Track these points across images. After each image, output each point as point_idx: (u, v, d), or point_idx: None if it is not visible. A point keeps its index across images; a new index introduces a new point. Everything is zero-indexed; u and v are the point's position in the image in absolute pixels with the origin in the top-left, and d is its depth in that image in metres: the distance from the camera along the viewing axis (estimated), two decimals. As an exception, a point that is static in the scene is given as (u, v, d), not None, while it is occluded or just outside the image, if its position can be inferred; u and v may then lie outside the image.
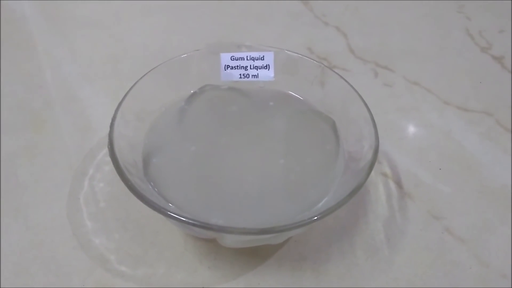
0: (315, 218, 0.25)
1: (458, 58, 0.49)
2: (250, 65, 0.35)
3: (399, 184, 0.36)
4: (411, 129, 0.41)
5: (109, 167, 0.35)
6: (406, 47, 0.51)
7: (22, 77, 0.44)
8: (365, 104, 0.31)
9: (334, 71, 0.34)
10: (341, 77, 0.33)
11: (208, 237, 0.30)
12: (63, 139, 0.39)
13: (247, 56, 0.35)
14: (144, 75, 0.32)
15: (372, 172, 0.27)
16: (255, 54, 0.35)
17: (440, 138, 0.40)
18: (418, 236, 0.32)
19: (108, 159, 0.31)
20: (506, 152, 0.39)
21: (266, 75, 0.35)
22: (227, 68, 0.35)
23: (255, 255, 0.31)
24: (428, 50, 0.50)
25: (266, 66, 0.35)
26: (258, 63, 0.35)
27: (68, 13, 0.54)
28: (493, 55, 0.49)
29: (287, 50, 0.36)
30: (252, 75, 0.35)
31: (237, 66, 0.35)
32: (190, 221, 0.25)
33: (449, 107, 0.43)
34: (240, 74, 0.35)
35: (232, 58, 0.35)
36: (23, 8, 0.54)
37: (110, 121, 0.30)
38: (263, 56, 0.34)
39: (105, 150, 0.36)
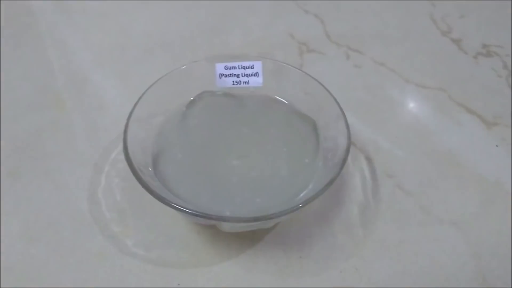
0: (298, 206, 0.30)
1: (421, 41, 0.52)
2: (242, 73, 0.38)
3: (361, 149, 0.40)
4: (375, 104, 0.45)
5: (123, 164, 0.38)
6: (376, 32, 0.54)
7: (43, 63, 0.48)
8: (341, 109, 0.34)
9: (315, 79, 0.37)
10: (321, 84, 0.36)
11: (209, 224, 0.34)
12: (80, 116, 0.43)
13: (238, 65, 0.38)
14: (150, 86, 0.35)
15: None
16: (245, 64, 0.38)
17: (399, 111, 0.44)
18: (373, 191, 0.37)
19: (121, 157, 0.35)
20: (454, 122, 0.43)
21: (256, 81, 0.38)
22: (222, 76, 0.38)
23: (249, 239, 0.35)
24: (395, 35, 0.54)
25: (256, 73, 0.38)
26: (249, 71, 0.38)
27: (79, 6, 0.57)
28: (452, 38, 0.53)
29: (274, 60, 0.39)
30: (243, 82, 0.38)
31: (230, 74, 0.38)
32: (193, 212, 0.28)
33: (409, 84, 0.47)
34: (233, 81, 0.38)
35: (226, 67, 0.38)
36: (42, 2, 0.57)
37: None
38: (253, 65, 0.38)
39: (118, 148, 0.40)
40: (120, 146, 0.39)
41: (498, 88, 0.47)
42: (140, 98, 0.35)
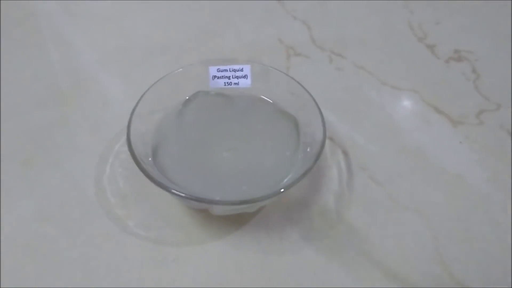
0: (279, 191, 0.34)
1: (398, 46, 0.56)
2: (232, 75, 0.42)
3: (339, 144, 0.45)
4: (353, 103, 0.49)
5: (125, 155, 0.43)
6: (357, 37, 0.58)
7: (51, 63, 0.52)
8: (318, 108, 0.38)
9: (297, 82, 0.41)
10: (303, 87, 0.40)
11: (201, 208, 0.38)
12: (87, 112, 0.47)
13: (229, 68, 0.42)
14: (150, 86, 0.39)
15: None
16: (236, 67, 0.42)
17: (374, 111, 0.48)
18: (348, 181, 0.42)
19: (124, 149, 0.39)
20: (424, 121, 0.47)
21: (245, 83, 0.42)
22: (214, 78, 0.42)
23: (236, 221, 0.39)
24: (375, 40, 0.57)
25: (245, 76, 0.42)
26: (238, 73, 0.42)
27: (85, 9, 0.60)
28: (427, 44, 0.57)
29: (261, 63, 0.43)
30: (234, 83, 0.42)
31: (222, 76, 0.42)
32: (188, 196, 0.32)
33: (385, 86, 0.51)
34: (225, 82, 0.42)
35: (218, 70, 0.42)
36: (49, 6, 0.60)
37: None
38: (242, 68, 0.42)
39: (121, 141, 0.44)
40: (123, 139, 0.43)
41: (466, 90, 0.51)
42: (141, 96, 0.39)
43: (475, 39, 0.58)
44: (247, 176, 0.37)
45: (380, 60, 0.54)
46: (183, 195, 0.33)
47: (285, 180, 0.37)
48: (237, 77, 0.42)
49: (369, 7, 0.63)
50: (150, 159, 0.38)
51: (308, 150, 0.38)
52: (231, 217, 0.39)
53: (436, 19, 0.61)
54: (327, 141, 0.45)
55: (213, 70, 0.42)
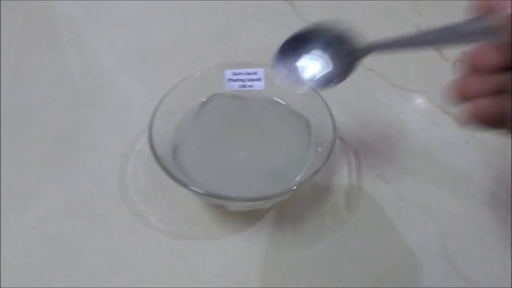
0: (291, 189, 0.36)
1: None
2: (247, 78, 0.44)
3: (349, 144, 0.46)
4: (363, 104, 0.50)
5: (146, 154, 0.45)
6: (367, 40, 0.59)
7: (75, 66, 0.54)
8: (329, 110, 0.40)
9: None
10: (315, 91, 0.42)
11: (218, 204, 0.40)
12: (109, 113, 0.50)
13: (244, 72, 0.44)
14: (170, 89, 0.41)
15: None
16: (250, 70, 0.44)
17: (383, 111, 0.50)
18: (358, 179, 0.43)
19: (144, 148, 0.41)
20: (431, 122, 0.49)
21: (259, 85, 0.44)
22: (230, 81, 0.44)
23: (251, 217, 0.41)
24: None
25: (259, 79, 0.44)
26: (253, 76, 0.44)
27: (105, 14, 0.62)
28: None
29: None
30: (248, 86, 0.44)
31: (237, 79, 0.44)
32: (206, 193, 0.35)
33: (394, 88, 0.52)
34: (240, 85, 0.44)
35: (233, 73, 0.44)
36: (72, 11, 0.62)
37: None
38: (256, 71, 0.44)
39: (142, 141, 0.46)
40: (143, 139, 0.46)
41: (473, 92, 0.52)
42: (162, 98, 0.41)
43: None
44: (261, 174, 0.39)
45: (388, 62, 0.55)
46: (201, 192, 0.35)
47: (297, 178, 0.39)
48: (251, 80, 0.44)
49: (378, 11, 0.64)
50: (170, 158, 0.40)
51: (319, 149, 0.40)
52: (246, 213, 0.41)
53: (445, 22, 0.62)
54: (338, 141, 0.46)
55: (228, 74, 0.44)
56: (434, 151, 0.46)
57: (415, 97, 0.51)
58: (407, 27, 0.61)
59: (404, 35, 0.28)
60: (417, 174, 0.44)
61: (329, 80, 0.32)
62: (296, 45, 0.33)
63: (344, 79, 0.32)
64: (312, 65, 0.32)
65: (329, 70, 0.32)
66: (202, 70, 0.44)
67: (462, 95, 0.26)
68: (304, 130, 0.42)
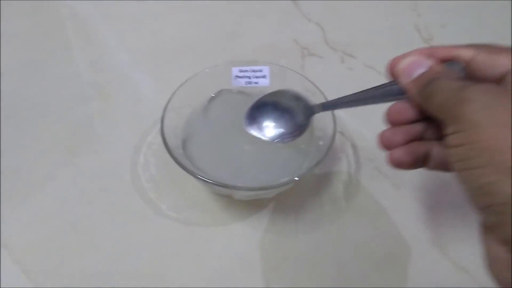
0: (293, 180, 0.38)
1: (405, 48, 0.58)
2: (252, 75, 0.46)
3: (349, 138, 0.49)
4: None
5: (157, 146, 0.47)
6: (367, 39, 0.61)
7: (90, 62, 0.57)
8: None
9: (311, 82, 0.44)
10: (316, 86, 0.44)
11: (225, 193, 0.42)
12: (122, 107, 0.52)
13: (250, 69, 0.46)
14: (180, 85, 0.44)
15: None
16: (256, 68, 0.46)
17: (382, 107, 0.52)
18: (356, 171, 0.46)
19: (155, 140, 0.44)
20: None
21: (264, 82, 0.46)
22: (236, 77, 0.46)
23: (256, 206, 0.43)
24: (384, 42, 0.60)
25: (264, 76, 0.46)
26: (258, 74, 0.46)
27: (118, 12, 0.64)
28: (433, 45, 0.60)
29: (278, 65, 0.47)
30: (254, 82, 0.46)
31: (244, 76, 0.46)
32: (214, 182, 0.37)
33: None
34: (246, 82, 0.46)
35: (240, 71, 0.46)
36: (84, 8, 0.64)
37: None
38: (262, 69, 0.46)
39: (153, 133, 0.49)
40: (154, 131, 0.48)
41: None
42: (173, 94, 0.43)
43: (478, 40, 0.61)
44: (265, 166, 0.41)
45: (388, 60, 0.57)
46: (209, 181, 0.37)
47: (299, 170, 0.41)
48: (257, 77, 0.46)
49: (379, 10, 0.66)
50: (180, 149, 0.42)
51: (321, 143, 0.42)
52: (251, 202, 0.43)
53: (442, 22, 0.64)
54: (338, 135, 0.49)
55: (235, 71, 0.46)
56: (429, 145, 0.48)
57: (412, 94, 0.54)
58: (406, 27, 0.63)
59: (346, 96, 0.36)
60: (413, 167, 0.47)
61: (290, 134, 0.38)
62: (263, 107, 0.39)
63: (302, 133, 0.38)
64: (277, 123, 0.39)
65: (290, 126, 0.38)
66: (210, 67, 0.46)
67: (385, 145, 0.31)
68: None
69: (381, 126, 0.50)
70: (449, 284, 0.39)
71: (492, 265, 0.24)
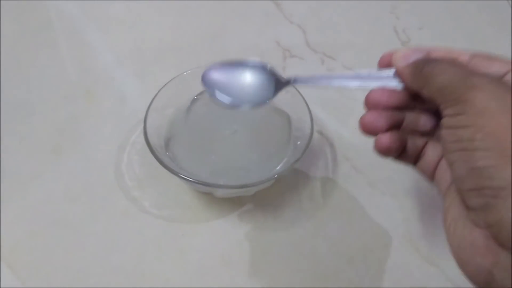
0: (271, 177, 0.39)
1: (383, 49, 0.60)
2: (234, 77, 0.47)
3: (327, 137, 0.50)
4: (341, 101, 0.53)
5: (141, 145, 0.47)
6: (347, 41, 0.61)
7: (74, 62, 0.57)
8: (308, 106, 0.43)
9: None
10: (295, 87, 0.45)
11: (206, 191, 0.43)
12: (106, 107, 0.52)
13: (232, 71, 0.47)
14: (164, 85, 0.44)
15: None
16: (237, 69, 0.47)
17: (359, 108, 0.52)
18: (333, 169, 0.47)
19: (139, 139, 0.44)
20: None
21: (245, 83, 0.47)
22: None
23: (236, 203, 0.44)
24: (363, 44, 0.61)
25: (245, 77, 0.47)
26: (240, 75, 0.47)
27: (102, 14, 0.64)
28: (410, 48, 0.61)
29: None
30: None
31: None
32: (195, 180, 0.38)
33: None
34: None
35: (222, 72, 0.47)
36: (70, 9, 0.63)
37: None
38: (243, 70, 0.47)
39: (137, 132, 0.49)
40: (138, 131, 0.49)
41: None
42: (156, 94, 0.43)
43: (453, 44, 0.62)
44: (245, 165, 0.42)
45: (366, 62, 0.58)
46: (191, 179, 0.38)
47: (278, 168, 0.42)
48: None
49: (359, 13, 0.67)
50: (163, 149, 0.43)
51: (299, 143, 0.43)
52: (231, 199, 0.44)
53: (420, 25, 0.65)
54: (317, 135, 0.50)
55: (217, 72, 0.47)
56: (403, 145, 0.50)
57: (388, 95, 0.55)
58: (385, 30, 0.64)
59: (323, 74, 0.34)
60: (387, 166, 0.47)
61: (255, 101, 0.35)
62: (226, 69, 0.36)
63: (267, 102, 0.35)
64: (242, 86, 0.35)
65: (256, 93, 0.35)
66: (193, 68, 0.47)
67: (367, 130, 0.31)
68: (285, 125, 0.45)
69: (358, 127, 0.52)
70: (420, 277, 0.40)
71: (464, 251, 0.25)
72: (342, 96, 0.55)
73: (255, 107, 0.35)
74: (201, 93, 0.47)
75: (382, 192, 0.46)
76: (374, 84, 0.32)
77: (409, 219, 0.44)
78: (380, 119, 0.31)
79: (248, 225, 0.43)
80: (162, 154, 0.42)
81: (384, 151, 0.31)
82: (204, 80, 0.35)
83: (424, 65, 0.28)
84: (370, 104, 0.32)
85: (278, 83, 0.35)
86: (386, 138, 0.30)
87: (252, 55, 0.59)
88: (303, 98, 0.44)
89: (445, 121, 0.26)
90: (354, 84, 0.33)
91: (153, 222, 0.43)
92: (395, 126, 0.31)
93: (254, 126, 0.45)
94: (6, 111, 0.51)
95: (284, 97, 0.45)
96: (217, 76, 0.36)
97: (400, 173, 0.47)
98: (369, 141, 0.49)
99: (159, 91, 0.44)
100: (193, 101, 0.46)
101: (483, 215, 0.23)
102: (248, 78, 0.35)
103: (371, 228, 0.43)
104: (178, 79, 0.46)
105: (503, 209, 0.22)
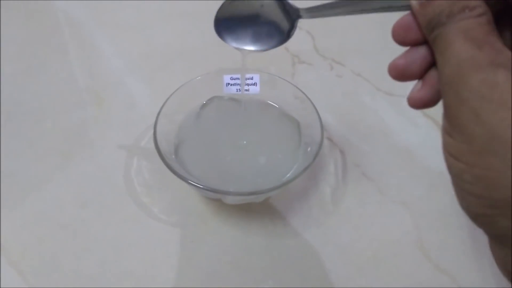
0: (281, 185, 0.39)
1: (392, 56, 0.60)
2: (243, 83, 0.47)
3: (336, 144, 0.49)
4: (350, 107, 0.53)
5: (150, 151, 0.47)
6: (356, 47, 0.61)
7: (84, 68, 0.56)
8: (317, 113, 0.42)
9: (300, 90, 0.45)
10: (304, 94, 0.44)
11: (215, 198, 0.42)
12: (116, 112, 0.52)
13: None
14: (174, 91, 0.44)
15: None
16: (246, 75, 0.46)
17: (369, 114, 0.52)
18: (343, 176, 0.46)
19: (148, 145, 0.44)
20: (412, 124, 0.51)
21: (255, 89, 0.46)
22: (228, 85, 0.46)
23: (245, 210, 0.43)
24: (372, 50, 0.60)
25: (255, 83, 0.46)
26: (249, 81, 0.46)
27: (113, 19, 0.64)
28: None
29: (268, 73, 0.47)
30: (245, 90, 0.46)
31: (235, 83, 0.46)
32: (204, 187, 0.37)
33: (380, 92, 0.55)
34: (237, 89, 0.46)
35: (231, 78, 0.46)
36: (80, 15, 0.63)
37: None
38: (252, 77, 0.46)
39: (146, 138, 0.49)
40: (147, 137, 0.48)
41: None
42: (166, 100, 0.43)
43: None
44: (255, 171, 0.42)
45: (375, 68, 0.58)
46: (200, 186, 0.37)
47: (288, 175, 0.41)
48: (248, 85, 0.46)
49: (368, 19, 0.66)
50: (172, 155, 0.42)
51: (309, 149, 0.42)
52: (241, 206, 0.44)
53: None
54: (326, 141, 0.49)
55: (227, 78, 0.46)
56: (414, 151, 0.49)
57: (399, 101, 0.54)
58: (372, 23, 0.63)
59: (335, 2, 0.30)
60: (398, 172, 0.47)
61: (272, 41, 0.34)
62: (234, 10, 0.34)
63: (286, 40, 0.33)
64: (254, 27, 0.34)
65: (271, 32, 0.34)
66: (202, 74, 0.46)
67: (398, 76, 0.27)
68: (295, 131, 0.44)
69: (368, 132, 0.51)
70: (432, 286, 0.40)
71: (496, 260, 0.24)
72: (352, 101, 0.54)
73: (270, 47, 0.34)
74: (210, 99, 0.46)
75: (393, 199, 0.45)
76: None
77: (420, 227, 0.43)
78: (413, 64, 0.26)
79: (257, 232, 0.42)
80: (172, 160, 0.41)
81: (419, 106, 0.27)
82: (217, 29, 0.35)
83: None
84: (396, 39, 0.27)
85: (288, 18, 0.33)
86: (420, 93, 0.26)
87: (261, 60, 0.58)
88: (313, 104, 0.44)
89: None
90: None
91: (162, 228, 0.42)
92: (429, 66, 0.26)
93: (264, 132, 0.44)
94: (17, 116, 0.51)
95: (293, 103, 0.45)
96: (227, 23, 0.35)
97: (411, 180, 0.46)
98: (379, 148, 0.49)
99: (169, 97, 0.44)
100: (203, 106, 0.46)
101: None
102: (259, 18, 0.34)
103: (381, 235, 0.42)
104: (188, 85, 0.45)
105: None
